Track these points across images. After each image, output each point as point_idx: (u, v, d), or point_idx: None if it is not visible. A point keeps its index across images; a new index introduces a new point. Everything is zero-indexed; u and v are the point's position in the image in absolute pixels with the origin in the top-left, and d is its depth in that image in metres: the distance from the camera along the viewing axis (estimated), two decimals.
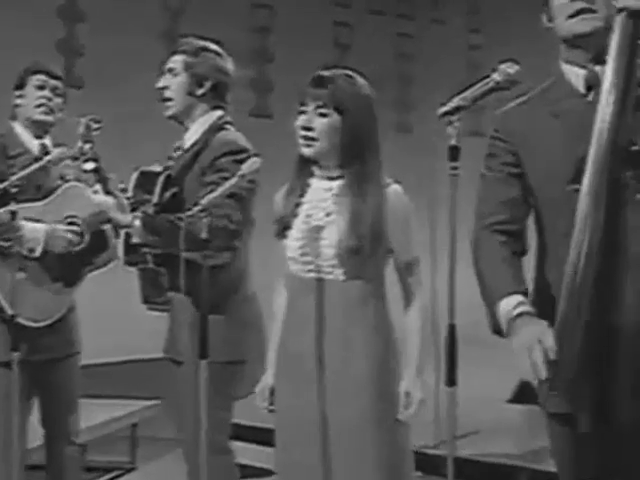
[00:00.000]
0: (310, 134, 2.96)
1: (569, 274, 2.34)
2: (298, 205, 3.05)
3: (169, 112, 3.65)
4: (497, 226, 2.55)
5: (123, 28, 8.27)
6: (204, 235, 3.03)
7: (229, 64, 3.71)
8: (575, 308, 2.33)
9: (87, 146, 3.41)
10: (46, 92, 3.90)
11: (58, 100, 3.94)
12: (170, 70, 3.66)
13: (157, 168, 3.62)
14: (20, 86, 3.94)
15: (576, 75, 2.51)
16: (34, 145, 3.91)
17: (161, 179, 3.56)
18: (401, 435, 2.99)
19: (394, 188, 3.01)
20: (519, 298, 2.45)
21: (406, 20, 11.09)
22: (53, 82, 3.93)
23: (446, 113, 2.30)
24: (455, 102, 2.32)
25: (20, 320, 3.71)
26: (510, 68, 2.38)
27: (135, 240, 3.42)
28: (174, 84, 3.64)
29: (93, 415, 5.63)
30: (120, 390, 6.34)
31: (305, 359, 2.98)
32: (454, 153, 2.26)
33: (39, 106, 3.87)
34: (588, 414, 2.38)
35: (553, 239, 2.52)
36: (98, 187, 3.51)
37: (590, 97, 2.47)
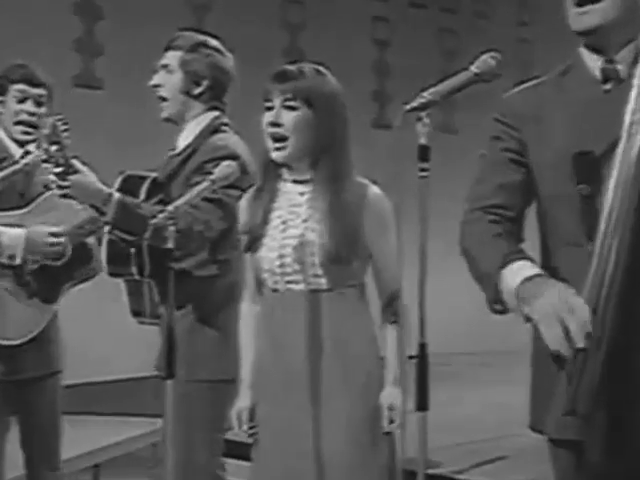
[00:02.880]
0: (279, 130, 2.81)
1: (591, 291, 2.07)
2: (269, 212, 2.90)
3: (164, 114, 3.48)
4: (490, 209, 2.30)
5: (144, 26, 8.05)
6: (170, 245, 2.88)
7: (229, 62, 3.52)
8: (598, 330, 2.05)
9: (53, 148, 3.22)
10: (27, 105, 3.68)
11: (41, 110, 3.71)
12: (164, 67, 3.48)
13: (144, 172, 3.46)
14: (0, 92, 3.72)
15: (594, 61, 2.30)
16: (18, 152, 3.70)
17: (146, 184, 3.40)
18: (393, 447, 2.90)
19: (373, 190, 2.87)
20: (527, 263, 2.17)
21: (449, 14, 10.83)
22: (35, 91, 3.69)
23: (414, 109, 2.12)
24: (425, 97, 2.15)
25: None
26: (491, 59, 2.23)
27: (106, 219, 3.29)
28: (169, 82, 3.46)
29: (110, 433, 5.59)
30: (140, 408, 6.17)
31: (294, 375, 2.85)
32: (424, 153, 2.09)
33: (18, 123, 3.68)
34: (600, 443, 2.15)
35: (559, 245, 2.31)
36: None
37: (608, 86, 2.27)
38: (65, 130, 3.20)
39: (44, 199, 3.69)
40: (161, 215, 2.89)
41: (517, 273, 2.14)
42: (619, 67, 2.27)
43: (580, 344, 2.00)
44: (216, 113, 3.47)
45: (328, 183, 2.83)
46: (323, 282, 2.83)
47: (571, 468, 2.30)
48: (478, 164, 2.40)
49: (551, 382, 2.19)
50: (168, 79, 3.44)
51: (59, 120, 3.22)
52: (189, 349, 3.24)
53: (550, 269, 2.29)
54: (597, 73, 2.29)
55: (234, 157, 3.24)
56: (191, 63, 3.42)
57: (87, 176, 3.23)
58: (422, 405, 2.17)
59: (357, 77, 8.36)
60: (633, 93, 2.12)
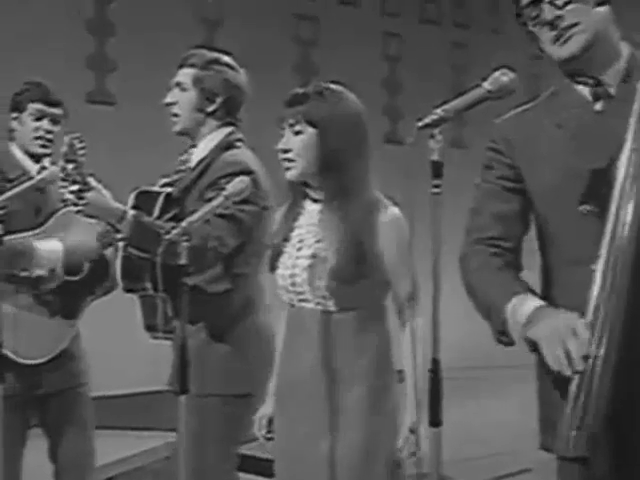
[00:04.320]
0: (288, 156, 2.87)
1: (595, 309, 2.08)
2: (291, 229, 2.93)
3: (176, 128, 3.50)
4: (488, 241, 2.35)
5: (156, 42, 8.06)
6: (183, 261, 2.86)
7: (242, 78, 3.52)
8: (603, 348, 2.07)
9: (70, 166, 3.22)
10: (44, 123, 3.72)
11: (57, 128, 3.75)
12: (178, 84, 3.49)
13: (157, 188, 3.49)
14: (16, 109, 3.74)
15: (582, 85, 2.32)
16: (33, 169, 3.74)
17: (160, 199, 3.42)
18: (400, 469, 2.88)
19: (391, 211, 2.85)
20: (531, 296, 2.22)
21: (460, 29, 10.80)
22: (52, 110, 3.73)
23: (427, 125, 2.11)
24: (437, 113, 2.14)
25: (14, 357, 3.56)
26: (504, 76, 2.18)
27: (121, 235, 3.33)
28: (183, 100, 3.47)
29: (124, 447, 5.56)
30: (154, 421, 6.16)
31: (301, 390, 2.89)
32: (436, 169, 2.08)
33: (36, 138, 3.72)
34: (607, 459, 2.16)
35: (560, 264, 2.32)
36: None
37: (598, 106, 2.28)
38: (81, 148, 3.21)
39: (62, 215, 3.70)
40: (174, 231, 2.89)
41: (526, 306, 2.17)
42: (608, 87, 2.27)
43: (579, 367, 2.03)
44: (230, 129, 3.48)
45: (335, 202, 2.83)
46: (331, 304, 2.83)
47: None
48: (473, 193, 2.42)
49: (558, 402, 2.18)
50: (182, 97, 3.45)
51: (75, 138, 3.23)
52: (202, 364, 3.24)
53: (551, 288, 2.33)
54: (586, 93, 2.30)
55: (248, 172, 3.23)
56: (205, 80, 3.43)
57: (103, 194, 3.25)
58: (435, 421, 2.14)
59: (368, 92, 8.31)
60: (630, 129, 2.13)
